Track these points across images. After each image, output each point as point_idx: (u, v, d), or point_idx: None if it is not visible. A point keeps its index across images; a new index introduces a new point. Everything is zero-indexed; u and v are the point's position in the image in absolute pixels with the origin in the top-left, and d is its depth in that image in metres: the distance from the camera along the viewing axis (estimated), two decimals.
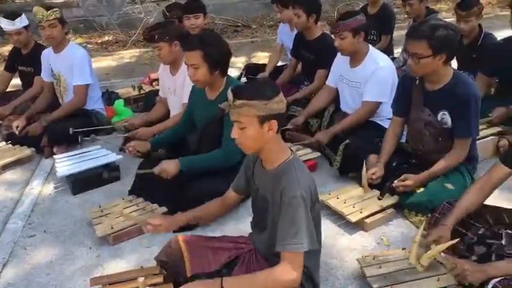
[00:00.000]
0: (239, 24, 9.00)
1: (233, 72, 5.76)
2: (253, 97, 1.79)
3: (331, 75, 3.70)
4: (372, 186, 2.86)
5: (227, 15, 9.13)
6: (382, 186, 2.79)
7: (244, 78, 5.31)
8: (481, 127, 3.43)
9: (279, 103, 1.82)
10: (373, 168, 2.82)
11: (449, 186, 2.68)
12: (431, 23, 2.55)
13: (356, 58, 3.41)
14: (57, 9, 3.85)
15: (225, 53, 2.86)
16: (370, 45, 3.44)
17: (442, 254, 2.00)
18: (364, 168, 2.83)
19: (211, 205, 2.30)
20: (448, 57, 2.57)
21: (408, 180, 2.67)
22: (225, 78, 2.90)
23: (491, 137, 3.35)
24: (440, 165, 2.69)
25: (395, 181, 2.69)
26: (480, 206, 2.26)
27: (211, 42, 2.80)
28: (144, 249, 2.62)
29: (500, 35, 4.05)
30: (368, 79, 3.31)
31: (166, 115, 3.81)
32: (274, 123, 1.82)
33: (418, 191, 2.70)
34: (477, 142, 3.21)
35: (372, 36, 5.31)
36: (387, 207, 2.71)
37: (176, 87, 3.56)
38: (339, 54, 3.54)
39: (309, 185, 1.85)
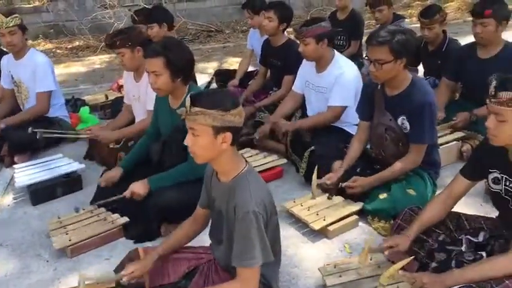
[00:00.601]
0: (212, 29, 8.98)
1: (203, 78, 5.73)
2: (211, 106, 1.75)
3: (297, 81, 3.69)
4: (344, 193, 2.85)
5: (201, 20, 9.11)
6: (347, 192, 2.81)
7: (214, 84, 5.29)
8: (444, 132, 3.49)
9: (237, 116, 1.78)
10: (330, 173, 2.82)
11: (412, 192, 2.69)
12: (389, 28, 2.58)
13: (321, 64, 3.42)
14: (17, 15, 3.75)
15: (188, 60, 2.81)
16: (335, 51, 3.45)
17: (400, 271, 1.99)
18: (315, 174, 2.83)
19: (184, 226, 2.23)
20: (407, 62, 2.59)
21: (357, 181, 2.69)
22: (188, 86, 2.86)
23: (454, 142, 3.39)
24: (392, 170, 2.72)
25: (346, 182, 2.72)
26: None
27: (173, 49, 2.75)
28: (103, 262, 2.55)
29: (468, 39, 4.10)
30: (333, 84, 3.32)
31: (132, 122, 3.74)
32: (228, 136, 1.79)
33: (381, 197, 2.70)
34: (441, 147, 3.27)
35: (341, 42, 5.34)
36: (351, 214, 2.70)
37: (140, 94, 3.50)
38: (305, 60, 3.53)
39: (262, 198, 1.82)
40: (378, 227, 2.65)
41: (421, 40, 4.20)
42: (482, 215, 2.61)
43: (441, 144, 3.30)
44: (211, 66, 6.46)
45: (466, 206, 2.64)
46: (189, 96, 1.80)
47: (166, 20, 4.26)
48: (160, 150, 2.92)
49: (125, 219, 2.77)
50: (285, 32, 4.23)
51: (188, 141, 1.82)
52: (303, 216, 2.66)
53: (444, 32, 4.09)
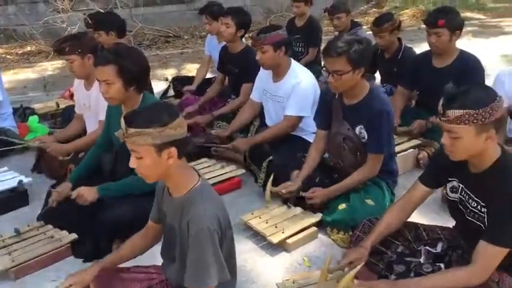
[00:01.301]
0: (170, 34, 8.83)
1: (161, 85, 5.59)
2: (147, 124, 1.66)
3: (255, 89, 3.64)
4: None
5: (158, 25, 8.93)
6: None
7: (172, 91, 5.17)
8: (401, 140, 3.50)
9: (177, 128, 1.69)
10: (288, 182, 2.78)
11: (370, 202, 2.67)
12: (346, 38, 2.56)
13: (278, 73, 3.37)
14: None
15: (142, 68, 2.70)
16: (292, 60, 3.41)
17: (356, 281, 1.95)
18: (270, 181, 2.77)
19: (133, 240, 2.12)
20: (365, 70, 2.59)
21: (315, 192, 2.67)
22: (141, 95, 2.74)
23: (411, 150, 3.41)
24: (350, 180, 2.70)
25: (304, 193, 2.70)
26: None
27: (126, 55, 2.63)
28: (49, 284, 2.40)
29: (424, 46, 4.15)
30: (290, 94, 3.28)
31: (84, 133, 3.58)
32: (173, 151, 1.70)
33: (340, 208, 2.67)
34: (398, 155, 3.28)
35: (299, 49, 5.34)
36: (310, 226, 2.65)
37: (91, 103, 3.35)
38: (262, 68, 3.48)
39: (216, 214, 1.74)
40: (337, 239, 2.61)
41: (377, 47, 4.24)
42: (439, 224, 2.64)
43: (398, 152, 3.32)
44: (169, 73, 6.33)
45: (422, 215, 2.65)
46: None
47: (115, 28, 4.08)
48: (112, 161, 2.79)
49: (74, 236, 2.62)
50: (243, 39, 4.17)
51: (132, 164, 1.73)
52: (261, 229, 2.59)
53: (399, 39, 4.14)
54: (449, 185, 2.13)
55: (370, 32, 4.11)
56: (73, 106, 3.98)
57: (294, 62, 3.41)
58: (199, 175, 1.85)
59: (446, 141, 1.89)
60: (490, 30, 8.38)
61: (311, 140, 3.21)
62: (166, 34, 8.83)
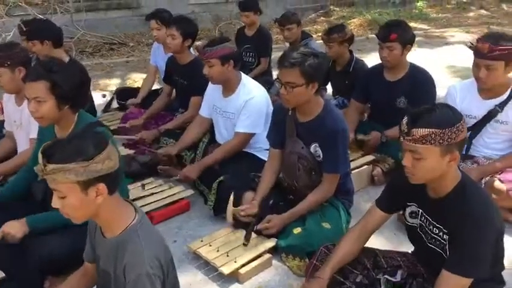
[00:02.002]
0: (115, 41, 8.45)
1: (102, 98, 5.28)
2: (70, 159, 1.44)
3: (204, 105, 3.45)
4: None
5: (102, 32, 8.54)
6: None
7: (115, 103, 4.88)
8: (355, 155, 3.42)
9: (105, 162, 1.49)
10: (245, 205, 2.61)
11: (327, 225, 2.55)
12: (301, 50, 2.44)
13: (228, 87, 3.21)
14: None
15: (78, 84, 2.44)
16: (242, 74, 3.26)
17: None
18: (231, 200, 2.60)
19: (70, 282, 1.89)
20: (319, 85, 2.48)
21: (271, 221, 2.53)
22: (77, 114, 2.49)
23: (365, 167, 3.33)
24: (306, 203, 2.59)
25: (260, 224, 2.54)
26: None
27: (59, 70, 2.37)
28: None
29: (372, 56, 4.13)
30: (241, 110, 3.12)
31: (14, 153, 3.26)
32: (102, 188, 1.49)
33: (296, 232, 2.52)
34: (352, 172, 3.18)
35: (250, 59, 5.22)
36: (264, 253, 2.49)
37: (23, 120, 3.04)
38: (210, 83, 3.30)
39: (157, 255, 1.55)
40: (293, 266, 2.47)
41: (329, 59, 4.17)
42: (396, 244, 2.56)
43: (352, 169, 3.22)
44: (114, 83, 6.00)
45: (378, 233, 2.54)
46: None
47: (50, 37, 3.77)
48: (44, 189, 2.50)
49: (0, 274, 2.32)
50: (192, 49, 3.97)
51: (55, 204, 1.51)
52: (211, 259, 2.40)
53: (351, 52, 4.10)
54: (408, 210, 2.04)
55: (320, 41, 4.06)
56: (2, 122, 3.65)
57: (244, 76, 3.26)
58: (135, 210, 1.65)
59: (407, 162, 1.79)
60: (434, 40, 8.59)
61: (264, 158, 3.07)
62: (111, 41, 8.45)
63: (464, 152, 3.15)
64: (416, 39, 8.71)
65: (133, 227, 1.58)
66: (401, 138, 1.79)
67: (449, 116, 1.72)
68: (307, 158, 2.62)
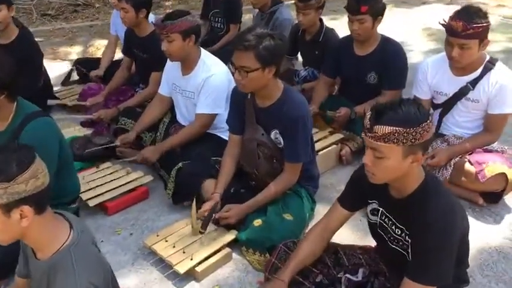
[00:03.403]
0: (79, 3, 8.00)
1: (65, 66, 4.99)
2: None
3: (164, 83, 3.23)
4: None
5: None
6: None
7: (75, 75, 4.61)
8: (323, 134, 3.28)
9: (30, 181, 1.32)
10: (207, 203, 2.46)
11: (288, 217, 2.43)
12: (257, 32, 2.25)
13: (187, 65, 3.00)
14: None
15: (12, 71, 2.22)
16: (202, 50, 3.04)
17: None
18: (194, 206, 2.44)
19: None
20: (277, 70, 2.30)
21: (230, 211, 2.40)
22: (15, 103, 2.27)
23: (333, 146, 3.19)
24: (267, 193, 2.46)
25: (218, 213, 2.40)
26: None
27: None
28: None
29: (344, 24, 3.89)
30: (200, 89, 2.93)
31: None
32: (27, 210, 1.33)
33: (256, 224, 2.40)
34: (319, 153, 3.07)
35: (219, 24, 4.96)
36: (223, 247, 2.37)
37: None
38: (169, 60, 3.07)
39: (90, 280, 1.40)
40: (253, 260, 2.36)
41: (298, 28, 3.96)
42: (361, 239, 2.47)
43: (319, 150, 3.10)
44: (75, 51, 5.67)
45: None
46: None
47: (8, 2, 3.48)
48: None
49: None
50: (149, 19, 3.70)
51: None
52: (165, 256, 2.27)
53: (321, 20, 3.86)
54: (369, 207, 1.93)
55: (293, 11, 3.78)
56: None
57: (204, 53, 3.04)
58: (71, 226, 1.49)
59: (368, 160, 1.66)
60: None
61: (226, 138, 2.90)
62: (76, 2, 8.00)
63: (434, 130, 3.03)
64: None
65: (67, 248, 1.43)
66: (364, 134, 1.66)
67: (415, 115, 1.58)
68: (268, 145, 2.48)
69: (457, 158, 2.79)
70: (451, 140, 2.94)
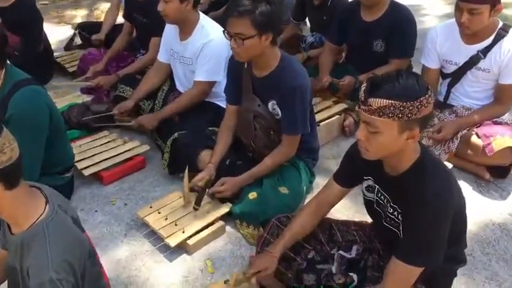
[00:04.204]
0: None
1: (70, 30, 4.90)
2: None
3: (162, 49, 3.13)
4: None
5: None
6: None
7: (79, 39, 4.51)
8: (326, 104, 3.18)
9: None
10: (200, 173, 2.40)
11: (284, 190, 2.37)
12: None
13: (184, 29, 2.89)
14: None
15: (2, 36, 2.16)
16: (201, 14, 2.92)
17: None
18: (186, 174, 2.39)
19: None
20: (274, 37, 2.20)
21: (225, 184, 2.34)
22: (4, 70, 2.21)
23: (336, 117, 3.08)
24: (263, 166, 2.40)
25: (213, 187, 2.34)
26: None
27: None
28: None
29: None
30: (198, 55, 2.83)
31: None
32: None
33: (251, 197, 2.35)
34: (321, 124, 2.98)
35: None
36: (216, 220, 2.33)
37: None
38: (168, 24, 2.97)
39: (65, 257, 1.36)
40: (247, 234, 2.31)
41: None
42: (359, 212, 2.39)
43: (322, 121, 3.01)
44: (80, 15, 5.56)
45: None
46: None
47: None
48: None
49: None
50: None
51: None
52: (157, 228, 2.24)
53: None
54: (364, 184, 1.85)
55: None
56: None
57: (203, 17, 2.92)
58: (47, 201, 1.44)
59: (361, 135, 1.57)
60: None
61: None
62: None
63: (442, 101, 2.91)
64: None
65: (40, 224, 1.39)
66: (358, 107, 1.56)
67: (413, 88, 1.47)
68: (265, 116, 2.39)
69: (465, 131, 2.67)
70: (459, 111, 2.81)
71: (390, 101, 1.46)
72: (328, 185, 1.96)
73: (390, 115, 1.47)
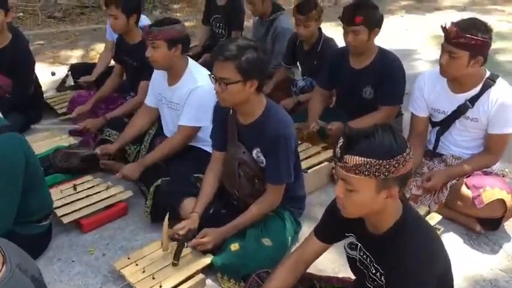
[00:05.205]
0: (87, 5, 7.96)
1: (62, 72, 4.91)
2: None
3: (150, 93, 3.12)
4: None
5: None
6: None
7: (71, 80, 4.51)
8: (314, 150, 3.14)
9: None
10: (182, 222, 2.34)
11: (267, 242, 2.29)
12: (239, 42, 2.14)
13: (173, 75, 2.88)
14: None
15: None
16: (190, 60, 2.92)
17: None
18: (166, 220, 2.33)
19: None
20: (259, 85, 2.18)
21: (207, 236, 2.25)
22: None
23: (325, 163, 3.04)
24: (247, 215, 2.33)
25: (194, 239, 2.26)
26: None
27: None
28: None
29: None
30: (185, 100, 2.81)
31: None
32: None
33: (233, 249, 2.27)
34: (309, 171, 2.93)
35: (220, 30, 4.83)
36: (196, 273, 2.24)
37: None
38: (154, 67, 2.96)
39: None
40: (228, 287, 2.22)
41: (296, 38, 3.82)
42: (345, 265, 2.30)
43: (310, 167, 2.96)
44: (75, 55, 5.61)
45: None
46: None
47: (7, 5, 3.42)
48: None
49: None
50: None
51: None
52: (133, 282, 2.14)
53: (320, 30, 3.72)
54: (347, 241, 1.78)
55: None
56: None
57: (192, 63, 2.92)
58: (4, 260, 1.36)
59: (339, 192, 1.52)
60: (425, 5, 8.10)
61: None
62: (83, 4, 7.97)
63: (432, 149, 2.87)
64: (406, 3, 8.32)
65: None
66: (334, 163, 1.52)
67: (390, 145, 1.43)
68: (249, 164, 2.35)
69: (454, 181, 2.62)
70: (449, 160, 2.77)
71: (366, 159, 1.41)
72: (308, 240, 1.89)
73: (366, 173, 1.43)
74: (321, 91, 3.36)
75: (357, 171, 1.43)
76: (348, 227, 1.73)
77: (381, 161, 1.41)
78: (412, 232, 1.53)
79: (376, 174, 1.42)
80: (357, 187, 1.46)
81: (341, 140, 1.49)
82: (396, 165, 1.42)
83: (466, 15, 7.25)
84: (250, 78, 2.13)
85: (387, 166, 1.42)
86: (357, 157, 1.42)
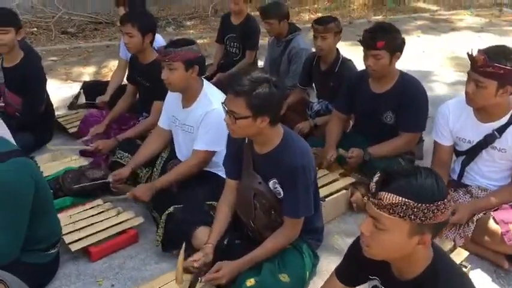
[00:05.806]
0: (101, 21, 7.98)
1: (74, 89, 4.86)
2: None
3: (163, 115, 3.04)
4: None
5: (87, 10, 8.08)
6: None
7: (83, 98, 4.46)
8: (332, 177, 3.02)
9: None
10: (197, 253, 2.22)
11: (284, 278, 2.17)
12: (253, 76, 2.05)
13: (188, 97, 2.80)
14: None
15: None
16: (205, 82, 2.84)
17: None
18: (182, 252, 2.22)
19: None
20: (272, 119, 2.09)
21: (221, 270, 2.13)
22: None
23: (343, 192, 2.92)
24: (263, 249, 2.20)
25: (208, 273, 2.14)
26: None
27: None
28: None
29: None
30: (199, 123, 2.72)
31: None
32: None
33: (249, 285, 2.14)
34: (328, 199, 2.82)
35: (234, 49, 4.79)
36: None
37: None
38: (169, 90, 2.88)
39: None
40: None
41: (313, 58, 3.74)
42: None
43: (328, 196, 2.84)
44: (88, 72, 5.57)
45: None
46: None
47: (17, 25, 3.39)
48: None
49: None
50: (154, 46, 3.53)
51: None
52: None
53: (338, 50, 3.63)
54: (370, 284, 1.66)
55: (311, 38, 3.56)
56: None
57: (207, 84, 2.84)
58: None
59: (366, 229, 1.41)
60: (441, 25, 8.01)
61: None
62: (97, 20, 7.99)
63: (456, 179, 2.74)
64: (422, 23, 8.26)
65: None
66: (366, 198, 1.41)
67: (431, 189, 1.33)
68: (265, 195, 2.23)
69: (481, 214, 2.48)
70: (474, 192, 2.64)
71: (404, 199, 1.31)
72: (329, 282, 1.78)
73: (402, 214, 1.32)
74: (339, 115, 3.26)
75: (391, 211, 1.33)
76: (371, 269, 1.61)
77: (420, 204, 1.31)
78: (445, 283, 1.41)
79: (412, 217, 1.32)
80: (388, 227, 1.36)
81: (378, 175, 1.39)
82: (435, 211, 1.31)
83: (484, 36, 7.24)
84: (261, 114, 2.04)
85: (425, 210, 1.31)
86: (395, 196, 1.32)
